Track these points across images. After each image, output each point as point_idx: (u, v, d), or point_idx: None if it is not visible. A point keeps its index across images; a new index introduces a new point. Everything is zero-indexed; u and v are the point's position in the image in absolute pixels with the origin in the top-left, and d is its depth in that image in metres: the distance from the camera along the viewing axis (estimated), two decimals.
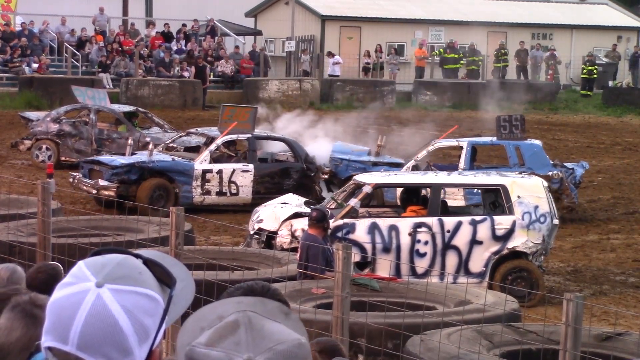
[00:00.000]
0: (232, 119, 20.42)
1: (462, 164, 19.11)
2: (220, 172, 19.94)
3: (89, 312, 2.08)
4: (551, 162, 19.63)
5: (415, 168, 18.99)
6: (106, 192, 19.37)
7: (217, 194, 19.93)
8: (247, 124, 20.42)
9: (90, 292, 2.10)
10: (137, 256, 2.21)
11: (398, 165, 19.59)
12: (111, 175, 19.59)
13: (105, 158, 20.71)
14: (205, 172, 19.87)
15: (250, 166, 20.14)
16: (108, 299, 2.08)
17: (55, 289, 2.15)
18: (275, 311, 2.09)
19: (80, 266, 2.16)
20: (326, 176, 20.46)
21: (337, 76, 42.56)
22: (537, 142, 20.34)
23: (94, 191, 19.68)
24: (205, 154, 20.11)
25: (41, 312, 3.13)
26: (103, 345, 2.07)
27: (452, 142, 20.20)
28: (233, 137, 20.54)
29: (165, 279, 2.18)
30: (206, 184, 19.89)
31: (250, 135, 20.34)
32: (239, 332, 1.99)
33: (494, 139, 20.15)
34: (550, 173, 19.21)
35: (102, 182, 19.62)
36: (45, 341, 2.12)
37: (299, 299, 10.05)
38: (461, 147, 19.59)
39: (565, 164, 20.12)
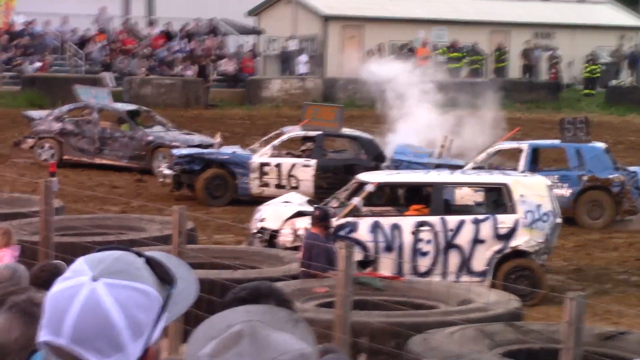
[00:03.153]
0: (315, 118, 21.13)
1: (521, 166, 18.99)
2: (279, 165, 20.75)
3: (82, 305, 2.07)
4: (613, 166, 19.57)
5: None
6: (167, 180, 20.92)
7: (276, 187, 20.59)
8: (334, 123, 21.22)
9: (85, 285, 2.09)
10: (139, 254, 2.21)
11: (459, 168, 19.06)
12: (173, 164, 20.97)
13: (176, 149, 22.06)
14: (262, 165, 20.76)
15: (312, 161, 20.81)
16: (102, 292, 2.08)
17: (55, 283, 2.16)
18: (283, 320, 2.09)
19: (80, 261, 2.16)
20: None
21: (307, 74, 42.52)
22: (600, 144, 20.19)
23: (160, 179, 21.19)
24: (267, 148, 21.05)
25: (39, 311, 3.13)
26: (95, 339, 2.07)
27: (513, 145, 19.96)
28: (302, 133, 21.36)
29: (165, 277, 2.18)
30: (264, 176, 20.75)
31: (320, 132, 20.97)
32: (243, 343, 2.00)
33: (555, 141, 20.06)
34: (611, 176, 19.24)
35: (165, 171, 21.08)
36: (42, 335, 2.13)
37: (302, 298, 10.05)
38: (521, 150, 19.47)
39: (628, 168, 20.03)
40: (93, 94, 25.46)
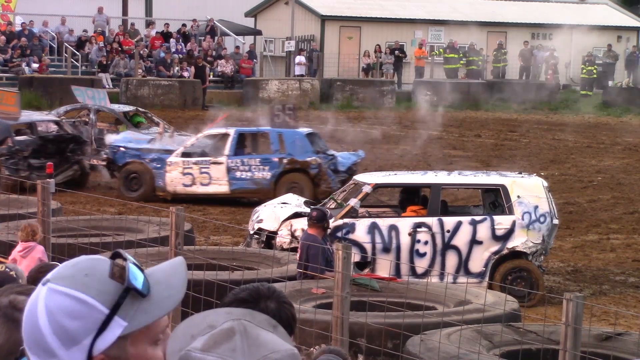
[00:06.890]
0: (1, 102, 21.88)
1: (227, 150, 20.38)
2: None
3: (28, 309, 2.10)
4: (313, 149, 20.55)
5: (186, 155, 20.49)
6: None
7: None
8: (14, 108, 21.95)
9: (38, 289, 2.11)
10: (124, 259, 2.15)
11: (169, 152, 20.86)
12: None
13: None
14: None
15: None
16: (41, 298, 2.08)
17: None
18: (264, 323, 2.10)
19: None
20: (104, 163, 21.84)
21: (302, 75, 42.45)
22: (303, 130, 21.22)
23: None
24: None
25: (21, 315, 3.11)
26: (33, 344, 2.08)
27: (221, 130, 21.15)
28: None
29: (133, 288, 2.12)
30: None
31: None
32: (235, 339, 2.00)
33: (262, 127, 21.28)
34: (308, 159, 20.41)
35: None
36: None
37: (299, 299, 10.04)
38: (228, 135, 20.63)
39: (328, 152, 20.99)
40: (89, 95, 25.43)
